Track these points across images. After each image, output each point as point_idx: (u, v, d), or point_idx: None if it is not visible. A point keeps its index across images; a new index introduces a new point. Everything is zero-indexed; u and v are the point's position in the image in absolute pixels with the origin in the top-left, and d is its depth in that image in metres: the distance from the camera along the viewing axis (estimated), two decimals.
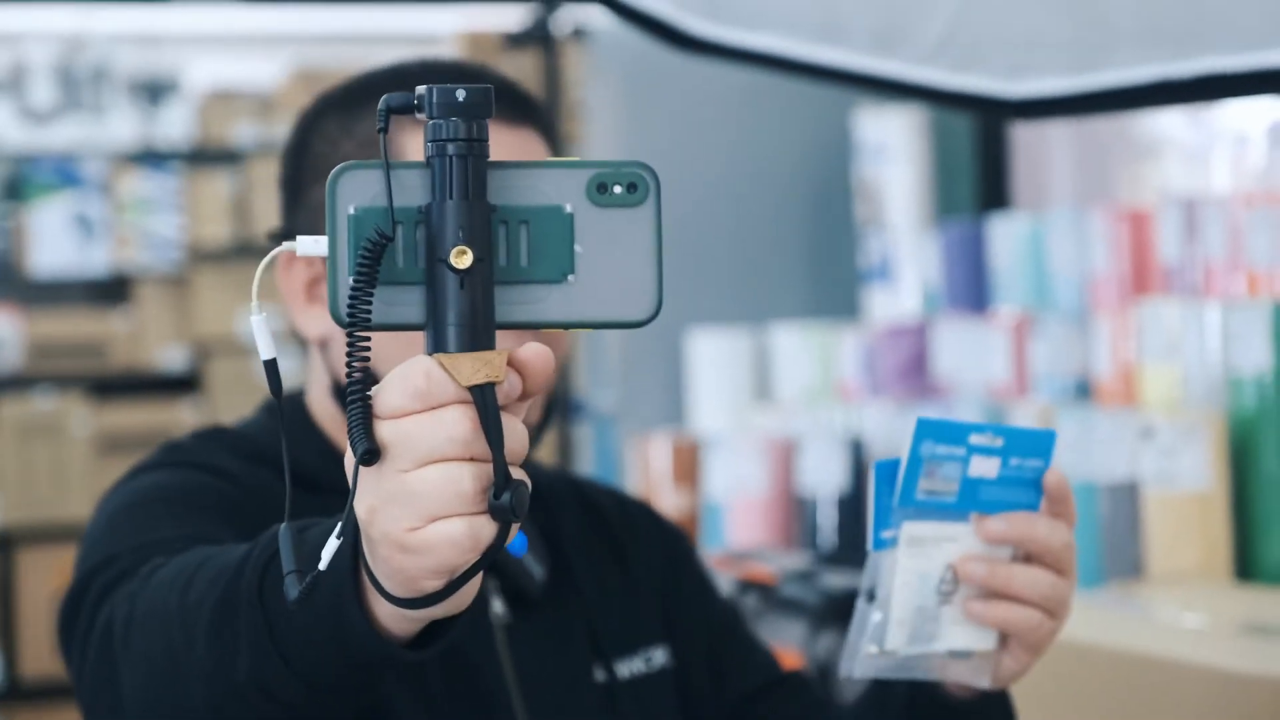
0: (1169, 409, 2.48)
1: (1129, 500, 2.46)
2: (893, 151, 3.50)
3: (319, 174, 1.64)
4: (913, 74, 2.23)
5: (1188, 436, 2.36)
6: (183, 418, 6.34)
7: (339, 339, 1.62)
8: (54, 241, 6.40)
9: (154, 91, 6.54)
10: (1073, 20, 2.12)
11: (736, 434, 3.28)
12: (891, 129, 3.49)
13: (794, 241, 3.88)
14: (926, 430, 1.43)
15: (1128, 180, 3.17)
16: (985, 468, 1.45)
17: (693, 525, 3.31)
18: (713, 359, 3.60)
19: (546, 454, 3.73)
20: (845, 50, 2.23)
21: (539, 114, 1.66)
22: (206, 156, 6.62)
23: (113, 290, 6.56)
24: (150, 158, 6.59)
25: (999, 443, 1.44)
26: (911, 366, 3.15)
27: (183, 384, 6.50)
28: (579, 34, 4.09)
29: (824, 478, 2.98)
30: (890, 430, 3.01)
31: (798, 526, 3.06)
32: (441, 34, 6.67)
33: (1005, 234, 3.04)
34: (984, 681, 1.49)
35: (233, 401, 6.31)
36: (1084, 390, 2.73)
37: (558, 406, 3.82)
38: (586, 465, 4.01)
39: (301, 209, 1.65)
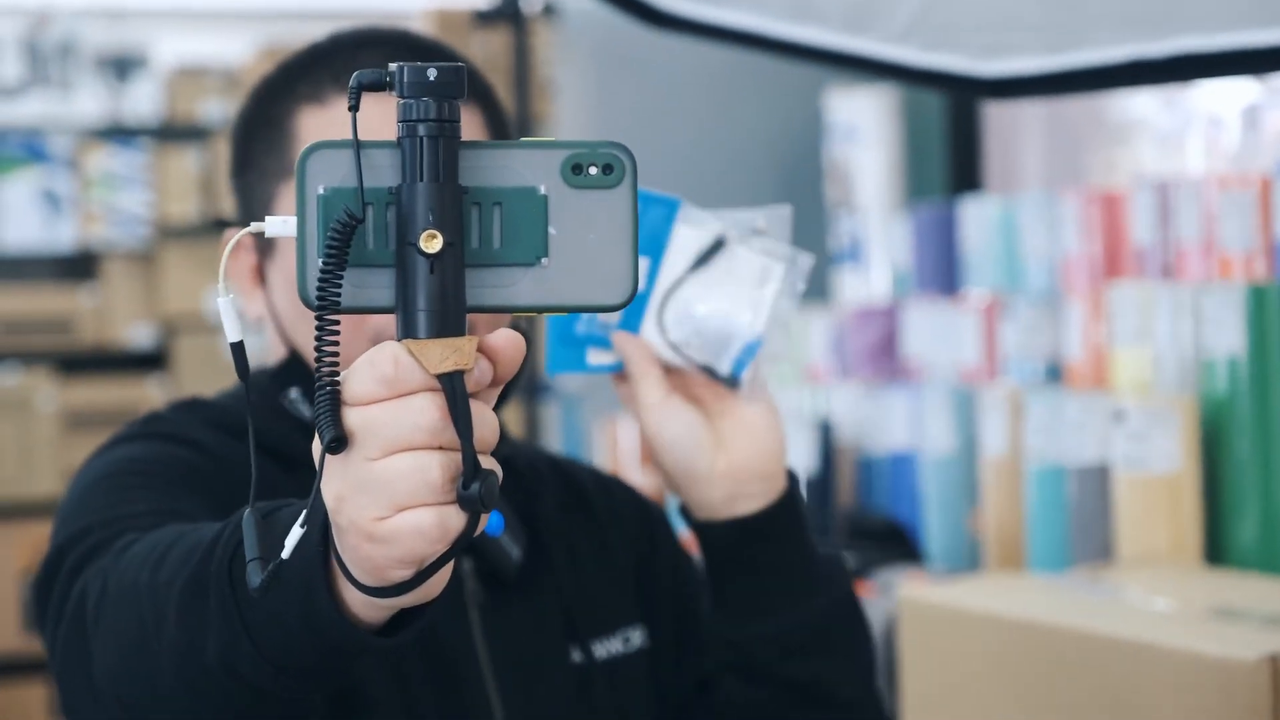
0: (1140, 392, 2.47)
1: (1099, 483, 2.45)
2: (863, 133, 3.48)
3: (248, 163, 1.64)
4: (885, 52, 2.21)
5: (1159, 420, 2.35)
6: (150, 395, 6.31)
7: (272, 325, 1.62)
8: (21, 217, 6.36)
9: (121, 67, 6.51)
10: (1045, 2, 2.11)
11: None
12: (862, 110, 3.47)
13: None
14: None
15: (1100, 163, 3.16)
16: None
17: (662, 506, 3.30)
18: None
19: (514, 433, 3.71)
20: (817, 28, 2.22)
21: (479, 89, 1.63)
22: (174, 133, 6.59)
23: (80, 266, 6.53)
24: (118, 134, 6.55)
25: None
26: (881, 348, 3.14)
27: (150, 361, 6.47)
28: (549, 11, 4.07)
29: (793, 459, 2.97)
30: (859, 413, 3.00)
31: None
32: (411, 11, 6.65)
33: (976, 216, 3.03)
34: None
35: (200, 379, 6.28)
36: (1055, 373, 2.72)
37: (525, 386, 3.80)
38: (554, 445, 3.99)
39: (240, 194, 1.65)
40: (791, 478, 1.60)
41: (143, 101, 6.53)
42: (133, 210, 6.44)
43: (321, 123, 1.58)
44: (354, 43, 1.63)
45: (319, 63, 1.62)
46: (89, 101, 6.48)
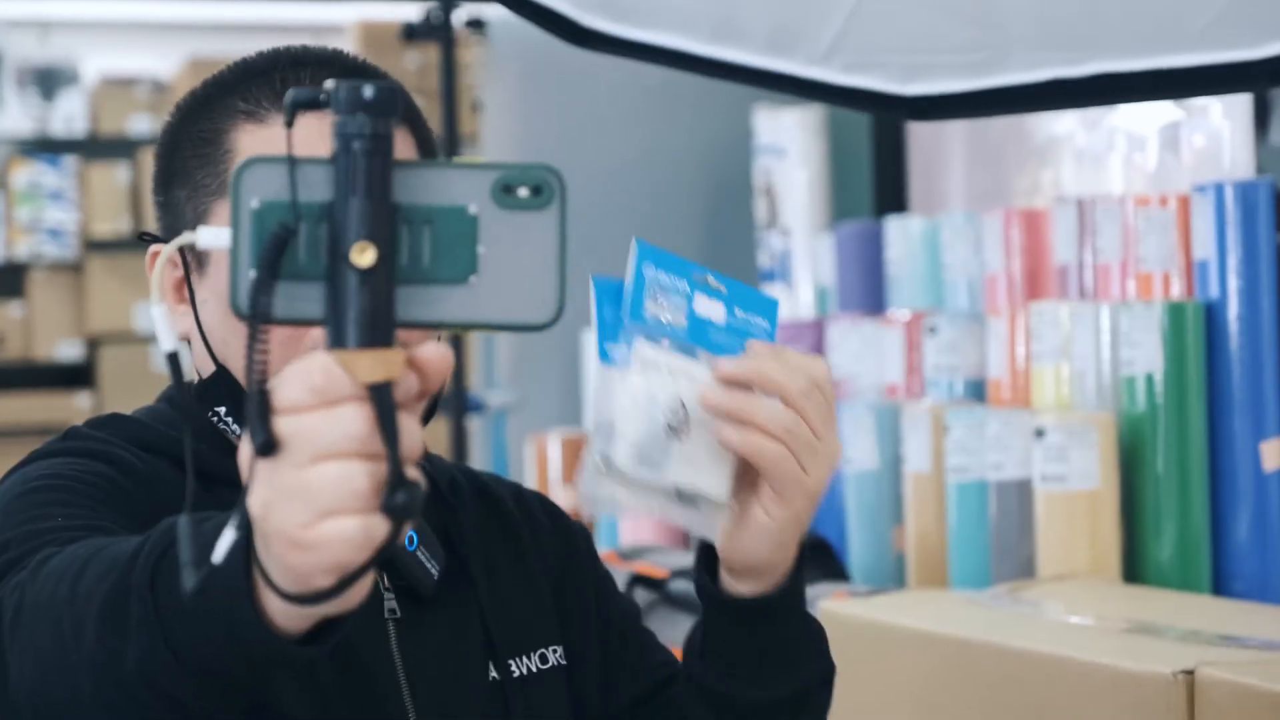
0: (1060, 409, 2.50)
1: (1020, 500, 2.47)
2: (790, 152, 3.50)
3: (178, 176, 1.63)
4: (808, 73, 2.23)
5: (1078, 437, 2.37)
6: (77, 408, 6.29)
7: (199, 339, 1.62)
8: None
9: (48, 81, 6.48)
10: (967, 25, 2.14)
11: None
12: (789, 129, 3.49)
13: (693, 241, 3.88)
14: (647, 253, 1.45)
15: (1023, 183, 3.19)
16: (711, 310, 1.47)
17: (582, 524, 3.30)
18: None
19: (439, 449, 3.72)
20: (741, 49, 2.24)
21: (410, 112, 1.64)
22: (101, 147, 6.56)
23: (6, 281, 6.49)
24: (45, 148, 6.52)
25: (723, 289, 1.46)
26: None
27: (76, 375, 6.44)
28: (476, 26, 4.08)
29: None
30: None
31: None
32: (339, 24, 6.64)
33: (900, 235, 3.05)
34: (714, 535, 1.49)
35: (126, 393, 6.26)
36: (978, 391, 2.74)
37: (451, 401, 3.81)
38: (479, 462, 4.00)
39: (167, 209, 1.64)
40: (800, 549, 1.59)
41: (70, 116, 6.50)
42: (59, 225, 6.41)
43: (259, 140, 1.58)
44: (290, 61, 1.63)
45: (256, 80, 1.61)
46: (16, 115, 6.45)
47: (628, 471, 1.44)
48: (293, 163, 1.08)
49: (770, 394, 1.45)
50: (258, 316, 1.07)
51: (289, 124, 1.11)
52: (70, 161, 6.46)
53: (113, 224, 6.46)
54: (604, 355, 1.46)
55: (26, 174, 6.42)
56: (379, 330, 1.06)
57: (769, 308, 1.49)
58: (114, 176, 6.48)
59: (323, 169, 1.08)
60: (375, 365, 1.06)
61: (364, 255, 1.06)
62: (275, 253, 1.07)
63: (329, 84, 1.08)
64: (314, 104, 1.09)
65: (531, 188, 1.10)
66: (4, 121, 6.46)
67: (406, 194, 1.09)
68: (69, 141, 6.56)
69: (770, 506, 1.48)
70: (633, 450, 1.44)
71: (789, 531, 1.50)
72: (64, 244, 6.42)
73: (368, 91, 1.07)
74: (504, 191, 1.10)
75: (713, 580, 1.58)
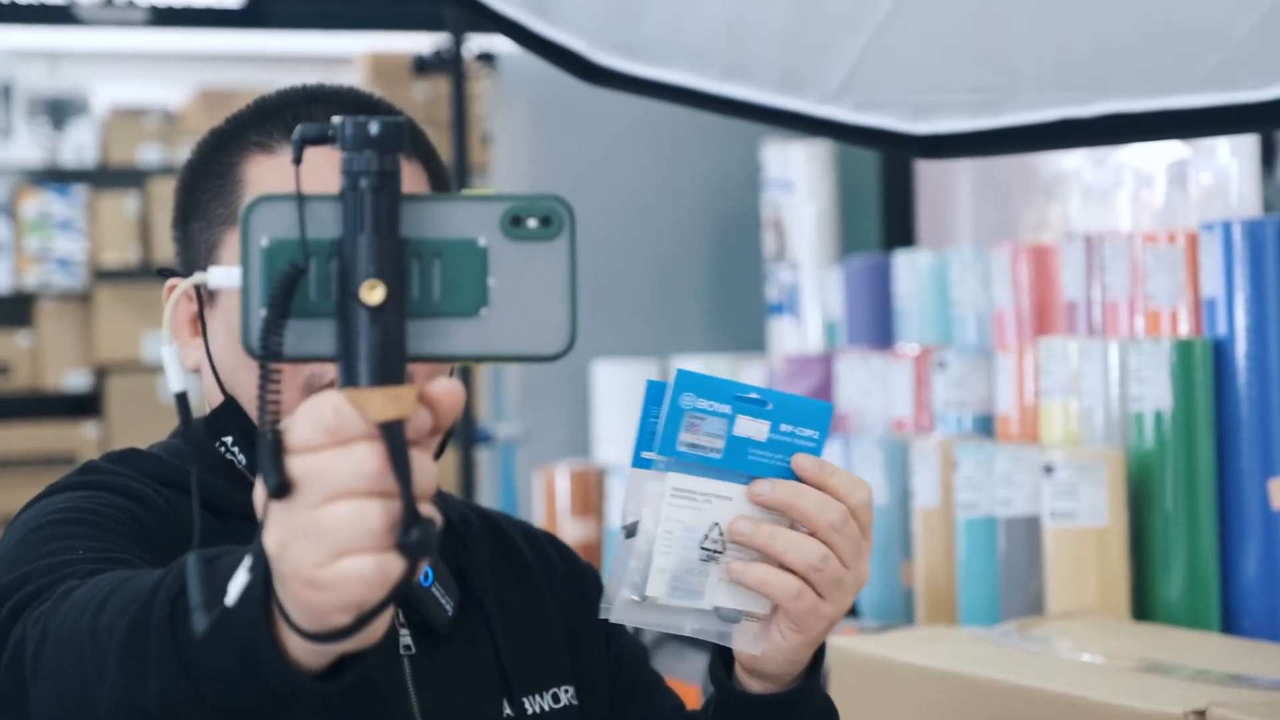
0: (1069, 445, 2.50)
1: (1028, 536, 2.47)
2: (798, 186, 3.51)
3: (195, 212, 1.65)
4: (818, 111, 2.24)
5: (1087, 474, 2.38)
6: (84, 438, 6.29)
7: (209, 371, 1.63)
8: None
9: (58, 111, 6.49)
10: (976, 65, 2.15)
11: None
12: (797, 164, 3.50)
13: (701, 274, 3.89)
14: (687, 383, 1.43)
15: (1031, 218, 3.20)
16: (753, 429, 1.45)
17: (595, 556, 3.31)
18: (617, 390, 3.60)
19: (447, 482, 3.72)
20: (752, 88, 2.25)
21: (422, 146, 1.66)
22: (111, 177, 6.58)
23: (14, 310, 6.50)
24: (55, 178, 6.53)
25: (769, 405, 1.44)
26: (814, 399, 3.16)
27: (84, 404, 6.45)
28: (487, 60, 4.09)
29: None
30: None
31: None
32: (348, 56, 6.66)
33: (908, 269, 3.05)
34: (757, 648, 1.48)
35: (133, 423, 6.26)
36: (986, 426, 2.75)
37: (461, 434, 3.81)
38: (488, 494, 4.00)
39: (185, 244, 1.66)
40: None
41: (80, 146, 6.52)
42: (69, 254, 6.42)
43: (269, 170, 1.61)
44: (304, 98, 1.66)
45: (269, 115, 1.64)
46: (26, 145, 6.47)
47: (660, 599, 1.44)
48: (301, 201, 1.09)
49: (804, 526, 1.45)
50: (269, 356, 1.07)
51: (297, 160, 1.11)
52: (79, 191, 6.47)
53: (121, 254, 6.47)
54: (637, 459, 1.45)
55: (36, 203, 6.43)
56: (390, 367, 1.06)
57: (820, 416, 1.47)
58: (123, 206, 6.49)
59: (331, 206, 1.09)
60: (387, 403, 1.06)
61: (373, 293, 1.06)
62: (285, 293, 1.07)
63: (335, 120, 1.08)
64: (321, 139, 1.10)
65: (540, 218, 1.11)
66: (14, 151, 6.48)
67: (416, 228, 1.09)
68: (78, 171, 6.57)
69: (785, 631, 1.47)
70: (669, 580, 1.44)
71: (803, 651, 1.50)
72: (72, 273, 6.43)
73: (374, 128, 1.07)
74: (513, 223, 1.10)
75: (727, 673, 1.57)
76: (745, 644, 1.48)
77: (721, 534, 1.45)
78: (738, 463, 1.45)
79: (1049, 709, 1.93)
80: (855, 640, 2.32)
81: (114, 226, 6.47)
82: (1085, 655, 2.09)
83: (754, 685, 1.55)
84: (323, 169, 1.22)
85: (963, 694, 2.04)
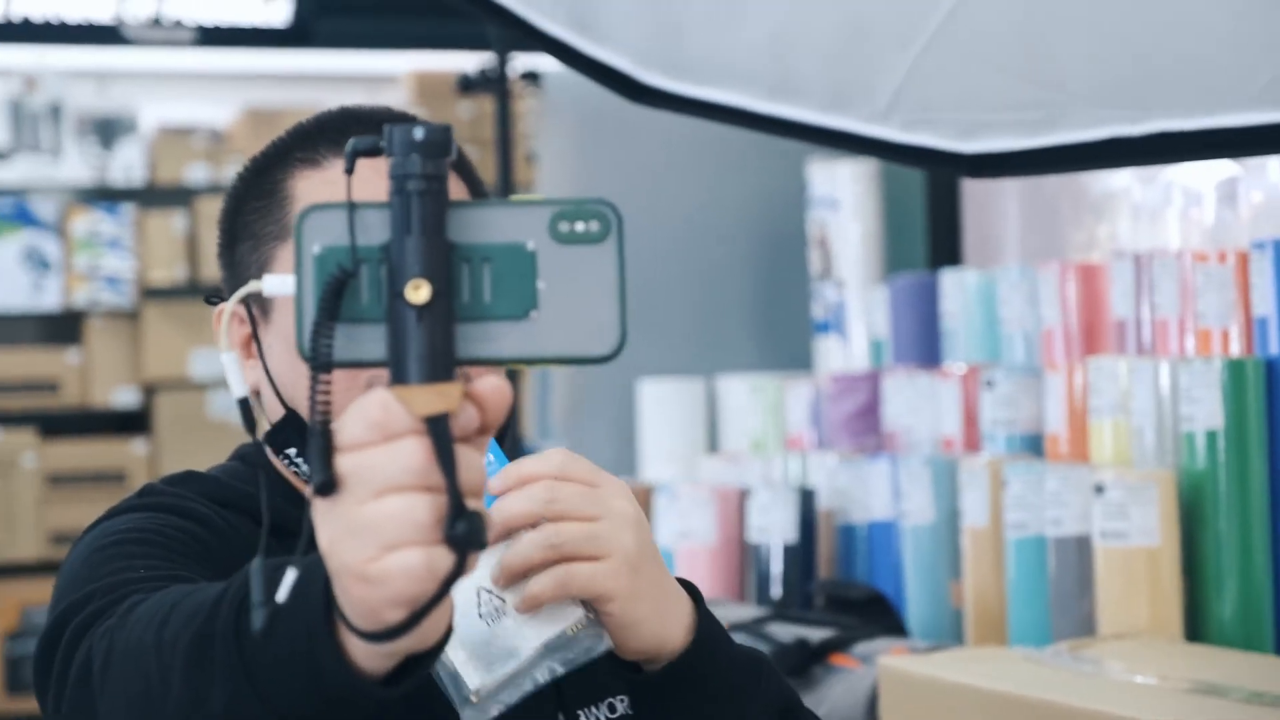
0: (1119, 465, 2.49)
1: (1079, 556, 2.46)
2: (844, 204, 3.50)
3: (242, 234, 1.68)
4: (865, 130, 2.24)
5: (1137, 493, 2.36)
6: (133, 455, 6.31)
7: (269, 388, 1.65)
8: (7, 279, 6.38)
9: (107, 130, 6.53)
10: (1024, 83, 2.14)
11: (686, 483, 3.28)
12: (843, 182, 3.49)
13: (747, 292, 3.88)
14: None
15: (1079, 236, 3.19)
16: None
17: None
18: (663, 408, 3.59)
19: None
20: (798, 107, 2.24)
21: (463, 165, 1.69)
22: (158, 196, 6.61)
23: (64, 328, 6.54)
24: (103, 196, 6.57)
25: None
26: (860, 418, 3.15)
27: (133, 421, 6.47)
28: (532, 78, 4.09)
29: (773, 528, 2.98)
30: (839, 482, 3.00)
31: (747, 576, 3.06)
32: (393, 75, 6.67)
33: (955, 287, 3.04)
34: (605, 643, 1.46)
35: (182, 439, 6.28)
36: (1035, 445, 2.73)
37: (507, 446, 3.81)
38: None
39: (232, 268, 1.69)
40: (694, 598, 1.54)
41: (128, 165, 6.55)
42: (117, 272, 6.45)
43: (316, 184, 1.63)
44: (343, 118, 1.68)
45: (310, 134, 1.67)
46: (76, 164, 6.50)
47: (489, 683, 1.41)
48: (352, 207, 1.11)
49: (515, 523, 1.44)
50: (318, 358, 1.09)
51: (349, 171, 1.14)
52: (128, 210, 6.50)
53: (169, 272, 6.50)
54: None
55: (85, 222, 6.46)
56: (437, 365, 1.08)
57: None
58: (171, 225, 6.52)
59: (381, 213, 1.11)
60: (432, 398, 1.07)
61: (419, 291, 1.08)
62: (334, 296, 1.10)
63: (385, 128, 1.10)
64: (374, 150, 1.12)
65: (588, 221, 1.12)
66: (63, 170, 6.51)
67: (465, 233, 1.11)
68: (127, 190, 6.60)
69: (604, 610, 1.45)
70: (479, 664, 1.41)
71: (651, 612, 1.47)
72: (121, 291, 6.46)
73: (419, 133, 1.09)
74: (561, 227, 1.12)
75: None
76: (597, 645, 1.46)
77: (490, 591, 1.44)
78: None
79: None
80: (905, 660, 2.31)
81: (162, 245, 6.50)
82: (1138, 676, 2.07)
83: (653, 667, 1.51)
84: (373, 182, 1.23)
85: (1013, 715, 2.03)
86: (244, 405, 1.19)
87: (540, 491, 1.45)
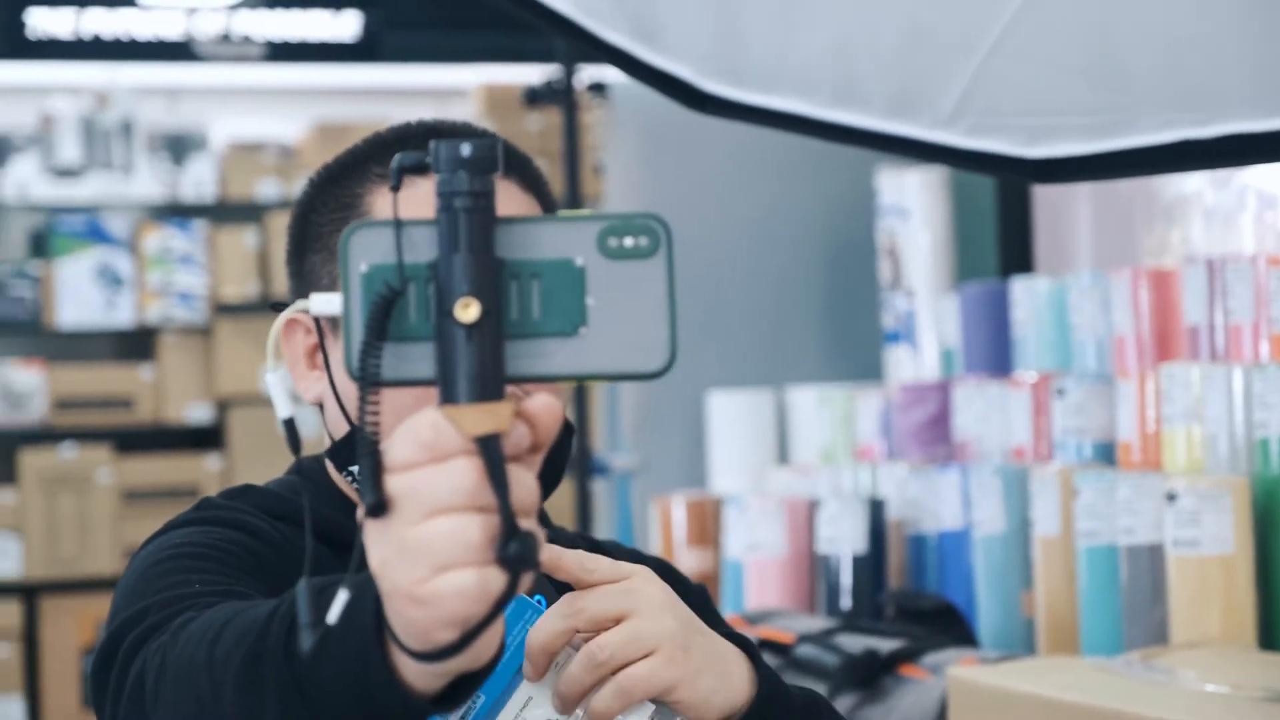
0: (1192, 473, 2.46)
1: (1151, 565, 2.43)
2: (913, 213, 3.48)
3: (313, 244, 1.67)
4: (930, 136, 2.22)
5: (1211, 501, 2.33)
6: (207, 471, 6.35)
7: (332, 402, 1.63)
8: (80, 295, 6.43)
9: (178, 147, 6.57)
10: (1092, 86, 2.11)
11: (755, 494, 3.27)
12: (912, 190, 3.47)
13: (816, 302, 3.86)
14: None
15: (1151, 241, 3.15)
16: None
17: (712, 585, 3.29)
18: (732, 420, 3.58)
19: (564, 512, 3.72)
20: (862, 114, 2.23)
21: (520, 165, 1.66)
22: (230, 212, 6.65)
23: (137, 344, 6.58)
24: (175, 213, 6.61)
25: None
26: (930, 428, 3.13)
27: (206, 437, 6.51)
28: (598, 90, 4.09)
29: (843, 539, 2.96)
30: (909, 492, 2.99)
31: (816, 587, 3.04)
32: (462, 88, 6.69)
33: (1025, 295, 3.02)
34: None
35: (255, 455, 6.32)
36: (1106, 453, 2.71)
37: (576, 464, 3.81)
38: (604, 525, 3.99)
39: (301, 277, 1.67)
40: (752, 656, 1.55)
41: (199, 181, 6.59)
42: (189, 288, 6.49)
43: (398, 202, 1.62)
44: (423, 132, 1.67)
45: (390, 147, 1.66)
46: (147, 181, 6.55)
47: None
48: (398, 225, 1.10)
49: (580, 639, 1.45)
50: (367, 378, 1.09)
51: (395, 188, 1.13)
52: (200, 226, 6.54)
53: (241, 288, 6.53)
54: None
55: (157, 238, 6.50)
56: (487, 384, 1.07)
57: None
58: (242, 241, 6.56)
59: (428, 230, 1.10)
60: (482, 418, 1.06)
61: (468, 310, 1.07)
62: (381, 315, 1.09)
63: (431, 145, 1.09)
64: (420, 168, 1.11)
65: (637, 237, 1.11)
66: (135, 187, 6.55)
67: (513, 249, 1.10)
68: (198, 206, 6.64)
69: (665, 698, 1.45)
70: None
71: (713, 693, 1.47)
72: (194, 308, 6.50)
73: (466, 149, 1.08)
74: (610, 242, 1.11)
75: None
76: None
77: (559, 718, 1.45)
78: (495, 684, 1.44)
79: None
80: (975, 671, 2.29)
81: (233, 261, 6.54)
82: (1210, 686, 2.05)
83: None
84: (430, 201, 1.22)
85: None
86: (289, 425, 1.18)
87: (564, 606, 1.45)
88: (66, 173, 6.46)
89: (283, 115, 6.78)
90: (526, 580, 1.07)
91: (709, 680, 1.47)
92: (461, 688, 1.17)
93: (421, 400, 1.27)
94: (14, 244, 6.64)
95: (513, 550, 1.05)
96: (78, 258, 6.45)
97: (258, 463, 6.25)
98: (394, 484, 1.07)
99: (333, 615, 1.13)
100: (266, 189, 6.60)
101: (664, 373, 1.11)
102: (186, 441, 6.52)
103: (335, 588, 1.16)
